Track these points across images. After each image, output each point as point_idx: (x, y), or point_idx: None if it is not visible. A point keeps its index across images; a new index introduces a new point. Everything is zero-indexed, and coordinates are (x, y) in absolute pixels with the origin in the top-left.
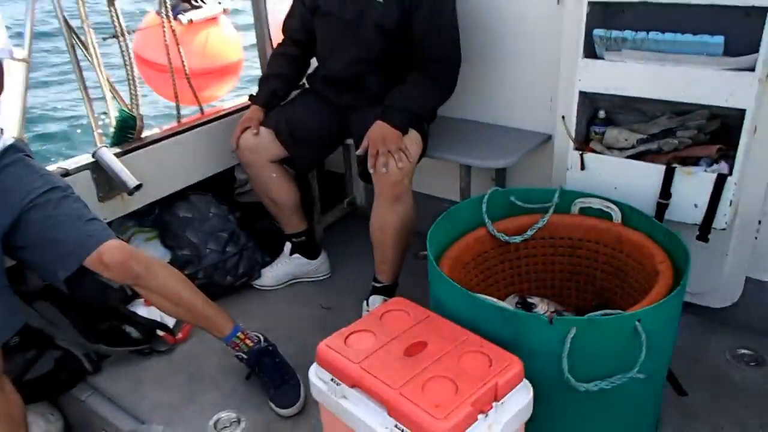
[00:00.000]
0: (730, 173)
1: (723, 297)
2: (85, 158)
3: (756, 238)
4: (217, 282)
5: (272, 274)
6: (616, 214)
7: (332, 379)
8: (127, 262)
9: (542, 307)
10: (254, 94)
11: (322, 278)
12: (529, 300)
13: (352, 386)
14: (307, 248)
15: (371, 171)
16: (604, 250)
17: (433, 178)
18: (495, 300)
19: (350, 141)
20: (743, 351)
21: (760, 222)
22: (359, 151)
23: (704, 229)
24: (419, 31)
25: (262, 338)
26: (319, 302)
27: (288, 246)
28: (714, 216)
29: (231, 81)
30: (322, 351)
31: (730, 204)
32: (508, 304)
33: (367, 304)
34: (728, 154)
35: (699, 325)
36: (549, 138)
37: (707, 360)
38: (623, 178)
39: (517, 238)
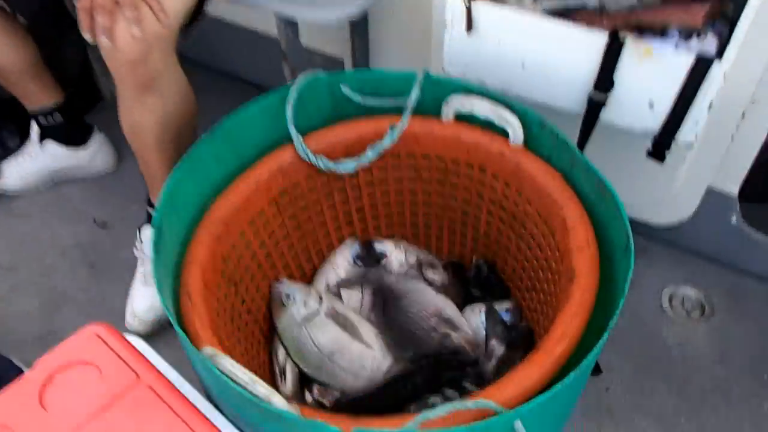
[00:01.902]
0: (719, 55)
1: (671, 212)
2: None
3: (732, 138)
4: None
5: (16, 173)
6: (516, 132)
7: None
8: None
9: (396, 256)
10: None
11: (98, 175)
12: (377, 246)
13: None
14: (66, 131)
15: (88, 39)
16: (492, 183)
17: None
18: (249, 379)
19: None
20: (687, 291)
21: (744, 115)
22: None
23: (661, 145)
24: None
25: None
26: (92, 215)
27: (35, 129)
28: (680, 125)
29: None
30: None
31: (710, 106)
32: (345, 257)
33: (140, 237)
34: (718, 18)
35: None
36: None
37: (636, 308)
38: (536, 50)
39: (350, 165)
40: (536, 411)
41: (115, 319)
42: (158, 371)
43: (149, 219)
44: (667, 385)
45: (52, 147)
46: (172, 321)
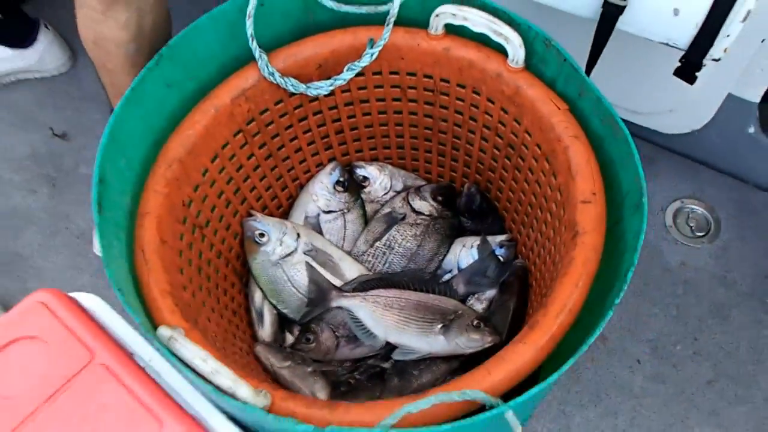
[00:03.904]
0: None
1: (685, 120)
2: None
3: (762, 43)
4: None
5: None
6: (516, 51)
7: None
8: None
9: (381, 181)
10: None
11: (50, 77)
12: (359, 171)
13: None
14: (7, 29)
15: None
16: (487, 107)
17: None
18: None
19: None
20: (693, 207)
21: None
22: None
23: (692, 62)
24: None
25: None
26: (48, 123)
27: None
28: (713, 40)
29: None
30: None
31: (746, 17)
32: (324, 185)
33: None
34: None
35: (643, 158)
36: None
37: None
38: None
39: (324, 87)
40: (528, 400)
41: (81, 243)
42: (116, 345)
43: None
44: (664, 310)
45: None
46: (123, 304)
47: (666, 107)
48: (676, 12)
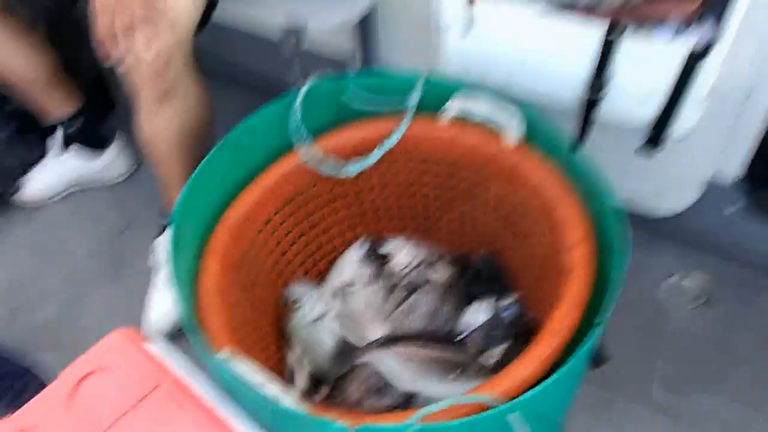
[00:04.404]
0: (715, 44)
1: (672, 203)
2: None
3: (732, 127)
4: None
5: (41, 183)
6: (514, 130)
7: None
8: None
9: (401, 256)
10: None
11: (115, 182)
12: (382, 248)
13: None
14: (89, 136)
15: (107, 64)
16: (492, 185)
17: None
18: (260, 381)
19: None
20: (689, 281)
21: (743, 103)
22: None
23: (658, 134)
24: None
25: None
26: (111, 222)
27: (58, 137)
28: (676, 114)
29: None
30: None
31: (707, 95)
32: (352, 258)
33: (153, 249)
34: (713, 7)
35: (634, 240)
36: None
37: (639, 297)
38: (535, 46)
39: (354, 168)
40: (530, 404)
41: (137, 324)
42: (177, 376)
43: (164, 229)
44: (666, 372)
45: (76, 153)
46: (186, 326)
47: (654, 191)
48: (648, 96)
